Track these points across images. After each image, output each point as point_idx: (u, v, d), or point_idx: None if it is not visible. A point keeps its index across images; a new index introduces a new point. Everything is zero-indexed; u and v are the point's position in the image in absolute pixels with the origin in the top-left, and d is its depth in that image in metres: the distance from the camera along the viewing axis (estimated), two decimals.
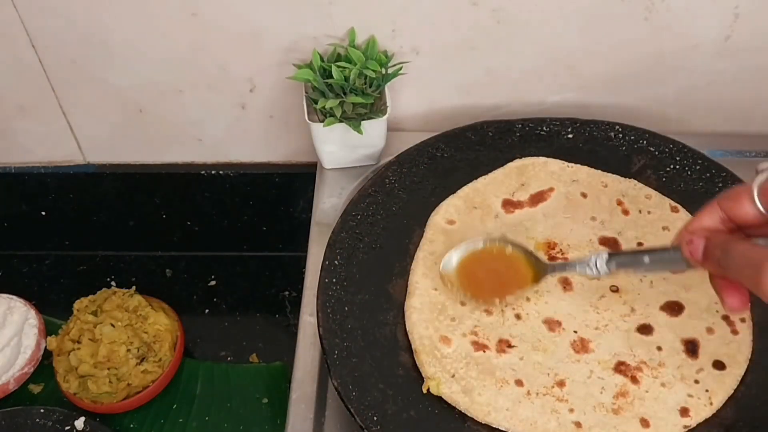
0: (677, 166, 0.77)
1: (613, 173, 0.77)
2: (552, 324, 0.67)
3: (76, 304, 0.92)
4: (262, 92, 0.87)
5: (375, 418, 0.62)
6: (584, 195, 0.75)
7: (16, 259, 1.08)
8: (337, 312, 0.68)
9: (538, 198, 0.75)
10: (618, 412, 0.62)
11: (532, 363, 0.65)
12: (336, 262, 0.71)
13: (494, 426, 0.62)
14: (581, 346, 0.66)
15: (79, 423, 0.86)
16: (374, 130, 0.80)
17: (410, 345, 0.67)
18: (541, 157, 0.77)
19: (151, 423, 0.90)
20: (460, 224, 0.73)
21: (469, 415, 0.62)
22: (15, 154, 0.97)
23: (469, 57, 0.82)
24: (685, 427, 0.62)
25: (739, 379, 0.64)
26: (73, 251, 1.08)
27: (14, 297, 0.96)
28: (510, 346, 0.66)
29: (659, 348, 0.66)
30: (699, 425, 0.62)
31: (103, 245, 1.07)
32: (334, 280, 0.70)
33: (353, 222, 0.73)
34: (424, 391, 0.63)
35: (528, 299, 0.68)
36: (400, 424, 0.62)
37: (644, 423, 0.61)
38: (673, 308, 0.68)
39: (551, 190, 0.76)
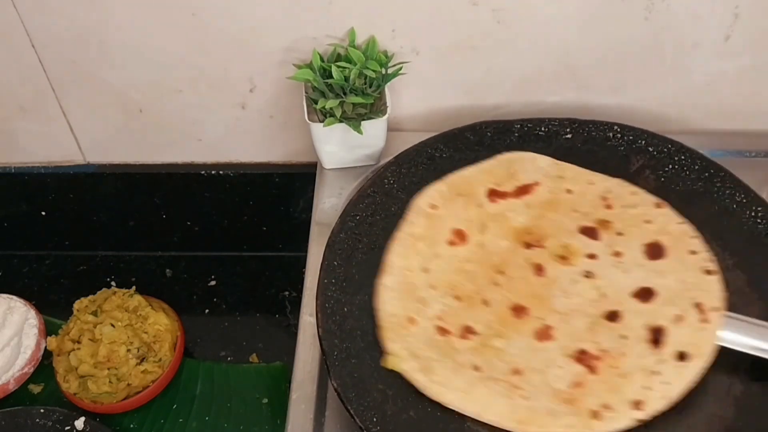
0: (676, 166, 0.77)
1: (612, 173, 0.77)
2: (519, 311, 0.67)
3: (76, 304, 0.92)
4: (262, 92, 0.87)
5: (375, 419, 0.62)
6: (569, 191, 0.75)
7: (16, 259, 1.08)
8: (336, 313, 0.68)
9: (523, 191, 0.75)
10: (571, 403, 0.62)
11: (493, 350, 0.65)
12: (335, 262, 0.71)
13: (447, 405, 0.62)
14: (544, 333, 0.65)
15: (79, 423, 0.86)
16: (374, 130, 0.80)
17: None
18: (531, 153, 0.78)
19: (151, 423, 0.90)
20: (442, 210, 0.73)
21: (424, 394, 0.63)
22: (15, 154, 0.97)
23: (469, 57, 0.82)
24: (638, 420, 0.61)
25: (701, 371, 0.63)
26: (73, 251, 1.08)
27: (14, 297, 0.96)
28: (473, 332, 0.66)
29: (623, 336, 0.65)
30: (656, 419, 0.62)
31: (103, 245, 1.07)
32: (333, 281, 0.70)
33: (352, 222, 0.73)
34: (383, 365, 0.64)
35: (498, 284, 0.68)
36: (399, 425, 0.62)
37: (595, 414, 0.61)
38: (645, 294, 0.67)
39: (537, 184, 0.76)
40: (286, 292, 1.03)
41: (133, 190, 1.00)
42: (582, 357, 0.64)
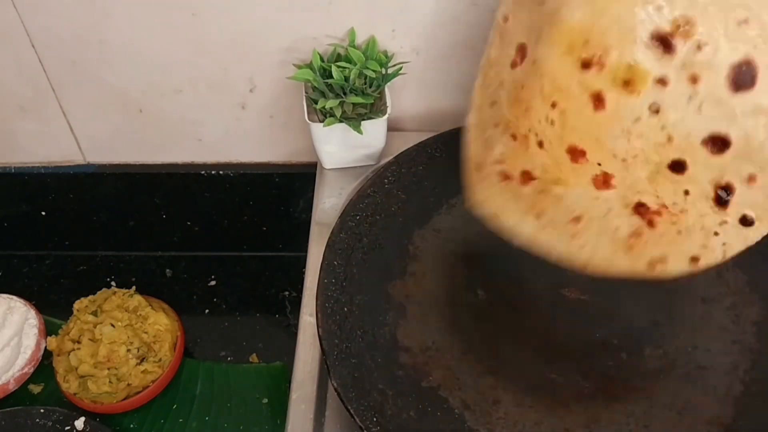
0: None
1: None
2: (575, 154, 0.60)
3: (76, 304, 0.92)
4: (262, 92, 0.87)
5: (375, 419, 0.62)
6: None
7: (16, 259, 1.08)
8: (336, 312, 0.68)
9: None
10: (629, 252, 0.61)
11: (552, 196, 0.62)
12: (335, 262, 0.71)
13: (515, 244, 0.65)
14: (603, 181, 0.60)
15: (79, 423, 0.86)
16: (374, 130, 0.80)
17: (408, 346, 0.66)
18: None
19: (151, 423, 0.90)
20: (511, 20, 0.64)
21: (502, 237, 0.65)
22: (15, 154, 0.97)
23: (469, 57, 0.82)
24: (690, 272, 0.60)
25: (763, 234, 0.57)
26: (73, 251, 1.08)
27: (14, 297, 0.96)
28: (532, 178, 0.63)
29: (686, 192, 0.58)
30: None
31: (103, 245, 1.07)
32: (333, 281, 0.70)
33: (352, 222, 0.73)
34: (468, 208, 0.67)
35: (552, 122, 0.59)
36: (399, 425, 0.62)
37: (651, 265, 0.61)
38: (718, 143, 0.55)
39: None
40: (286, 292, 1.03)
41: (133, 190, 1.00)
42: (641, 210, 0.60)
